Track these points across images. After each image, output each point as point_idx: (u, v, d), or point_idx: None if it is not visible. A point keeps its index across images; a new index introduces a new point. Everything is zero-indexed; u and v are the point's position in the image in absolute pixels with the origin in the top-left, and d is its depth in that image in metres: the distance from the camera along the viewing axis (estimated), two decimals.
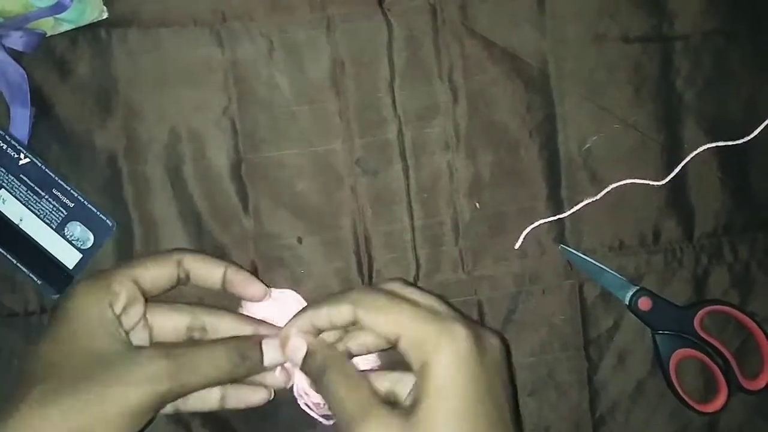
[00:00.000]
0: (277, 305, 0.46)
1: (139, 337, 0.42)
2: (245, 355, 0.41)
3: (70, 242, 0.47)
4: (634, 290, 0.49)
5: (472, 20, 0.49)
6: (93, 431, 0.36)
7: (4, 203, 0.47)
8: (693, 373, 0.50)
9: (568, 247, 0.49)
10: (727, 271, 0.50)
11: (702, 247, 0.50)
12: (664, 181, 0.50)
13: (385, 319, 0.37)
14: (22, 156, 0.47)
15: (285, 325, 0.41)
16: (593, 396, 0.50)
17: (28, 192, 0.47)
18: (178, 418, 0.48)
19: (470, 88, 0.49)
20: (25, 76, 0.46)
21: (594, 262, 0.49)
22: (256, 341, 0.42)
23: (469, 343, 0.36)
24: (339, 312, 0.39)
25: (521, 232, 0.49)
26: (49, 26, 0.46)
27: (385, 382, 0.41)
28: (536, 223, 0.49)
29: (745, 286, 0.51)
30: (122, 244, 0.48)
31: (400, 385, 0.41)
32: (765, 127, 0.50)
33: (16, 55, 0.46)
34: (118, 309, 0.40)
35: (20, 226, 0.47)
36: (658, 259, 0.50)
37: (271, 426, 0.49)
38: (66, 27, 0.46)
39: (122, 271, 0.41)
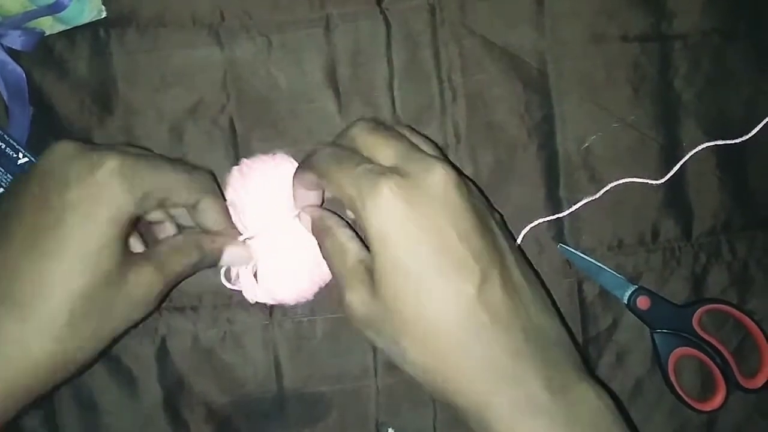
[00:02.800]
0: (271, 168, 0.46)
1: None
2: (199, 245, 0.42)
3: None
4: (633, 289, 0.49)
5: (470, 20, 0.49)
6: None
7: None
8: (691, 371, 0.50)
9: (567, 245, 0.50)
10: (725, 270, 0.51)
11: (701, 245, 0.50)
12: (662, 180, 0.50)
13: (330, 185, 0.38)
14: (20, 155, 0.47)
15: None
16: None
17: None
18: (176, 418, 0.48)
19: (469, 88, 0.49)
20: (24, 75, 0.47)
21: (593, 261, 0.49)
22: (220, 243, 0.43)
23: (393, 195, 0.35)
24: (310, 180, 0.41)
25: (520, 231, 0.49)
26: (48, 25, 0.46)
27: None
28: (535, 222, 0.49)
29: (744, 284, 0.51)
30: None
31: None
32: (764, 126, 0.50)
33: (14, 55, 0.46)
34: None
35: None
36: (657, 258, 0.50)
37: (272, 424, 0.49)
38: (64, 26, 0.46)
39: (113, 152, 0.39)
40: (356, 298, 0.37)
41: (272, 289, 0.45)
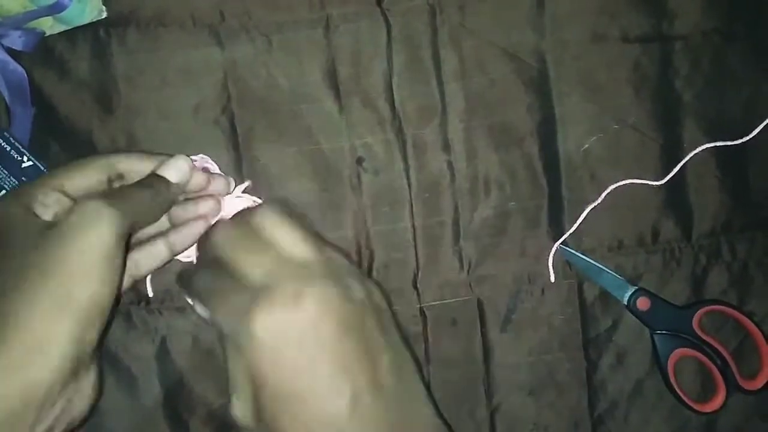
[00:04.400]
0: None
1: None
2: (152, 184, 0.42)
3: None
4: (633, 290, 0.49)
5: (471, 20, 0.49)
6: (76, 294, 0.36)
7: None
8: (691, 372, 0.50)
9: (567, 247, 0.50)
10: (725, 271, 0.51)
11: (700, 246, 0.50)
12: (663, 181, 0.50)
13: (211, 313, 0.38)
14: (24, 159, 0.47)
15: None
16: (592, 396, 0.50)
17: None
18: (176, 418, 0.48)
19: (469, 89, 0.49)
20: (25, 75, 0.46)
21: (593, 262, 0.49)
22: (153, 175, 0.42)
23: (261, 326, 0.35)
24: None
25: (521, 233, 0.49)
26: (48, 26, 0.46)
27: None
28: (557, 244, 0.49)
29: (744, 285, 0.51)
30: None
31: None
32: (764, 127, 0.50)
33: (15, 55, 0.46)
34: (48, 218, 0.39)
35: None
36: (657, 259, 0.50)
37: None
38: (65, 26, 0.46)
39: (46, 182, 0.40)
40: (241, 414, 0.37)
41: None
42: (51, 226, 0.37)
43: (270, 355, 0.35)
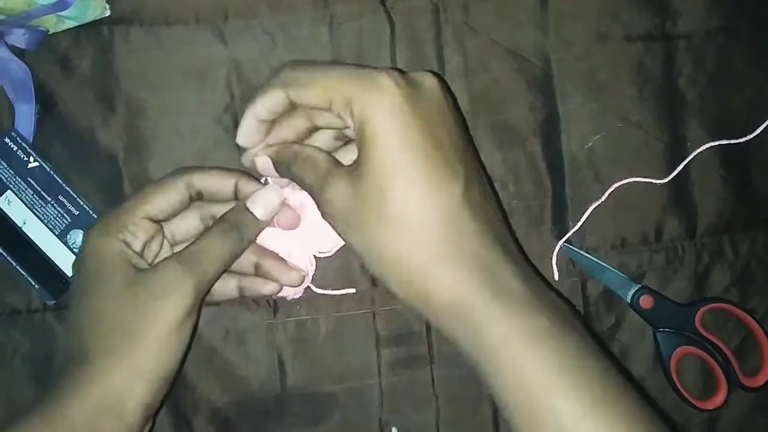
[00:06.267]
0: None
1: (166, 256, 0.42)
2: (238, 223, 0.42)
3: (71, 250, 0.47)
4: (636, 288, 0.49)
5: (474, 19, 0.49)
6: (151, 366, 0.39)
7: (9, 204, 0.47)
8: (693, 370, 0.50)
9: (571, 245, 0.50)
10: (728, 269, 0.51)
11: (703, 245, 0.50)
12: (666, 180, 0.50)
13: (314, 90, 0.37)
14: (31, 159, 0.47)
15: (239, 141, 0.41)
16: None
17: (34, 196, 0.47)
18: (180, 416, 0.48)
19: (473, 88, 0.49)
20: (29, 72, 0.46)
21: (596, 260, 0.49)
22: (240, 207, 0.43)
23: (396, 89, 0.36)
24: (273, 99, 0.39)
25: (525, 232, 0.50)
26: (52, 24, 0.46)
27: (348, 154, 0.42)
28: (560, 243, 0.49)
29: (746, 283, 0.51)
30: None
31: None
32: (767, 125, 0.50)
33: (18, 53, 0.46)
34: (137, 248, 0.41)
35: (23, 229, 0.47)
36: (660, 257, 0.50)
37: (275, 423, 0.49)
38: (68, 24, 0.46)
39: (132, 211, 0.42)
40: (337, 193, 0.37)
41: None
42: (138, 280, 0.39)
43: (397, 119, 0.36)
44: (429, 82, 0.38)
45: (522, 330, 0.35)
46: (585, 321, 0.50)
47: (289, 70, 0.39)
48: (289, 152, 0.41)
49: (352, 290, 0.48)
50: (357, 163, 0.37)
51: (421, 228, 0.36)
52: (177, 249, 0.42)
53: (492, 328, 0.35)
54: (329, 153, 0.40)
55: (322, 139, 0.42)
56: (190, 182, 0.43)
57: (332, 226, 0.39)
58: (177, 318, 0.39)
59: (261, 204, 0.43)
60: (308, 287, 0.47)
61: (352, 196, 0.37)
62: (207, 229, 0.42)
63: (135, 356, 0.38)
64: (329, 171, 0.38)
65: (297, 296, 0.47)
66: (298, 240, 0.46)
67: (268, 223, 0.43)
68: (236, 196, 0.44)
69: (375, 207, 0.36)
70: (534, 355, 0.34)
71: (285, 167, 0.41)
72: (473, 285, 0.36)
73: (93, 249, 0.41)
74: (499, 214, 0.39)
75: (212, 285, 0.41)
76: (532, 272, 0.38)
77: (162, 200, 0.42)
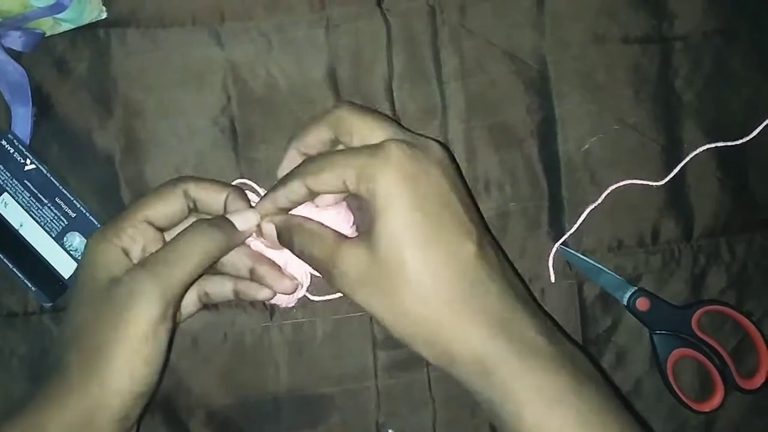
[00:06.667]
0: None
1: None
2: (213, 225, 0.42)
3: (68, 252, 0.47)
4: (633, 290, 0.49)
5: (471, 21, 0.49)
6: (124, 383, 0.38)
7: (5, 207, 0.47)
8: (690, 372, 0.50)
9: (568, 247, 0.50)
10: (724, 272, 0.51)
11: (700, 247, 0.50)
12: (663, 182, 0.50)
13: (329, 176, 0.39)
14: (28, 162, 0.47)
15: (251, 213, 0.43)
16: None
17: (31, 198, 0.47)
18: (175, 419, 0.48)
19: (469, 90, 0.49)
20: (26, 75, 0.46)
21: (593, 262, 0.49)
22: (218, 216, 0.43)
23: (402, 158, 0.37)
24: (294, 191, 0.41)
25: (521, 234, 0.50)
26: (48, 26, 0.46)
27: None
28: (557, 244, 0.50)
29: (742, 286, 0.51)
30: None
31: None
32: (764, 127, 0.50)
33: (15, 55, 0.46)
34: (136, 253, 0.41)
35: (20, 232, 0.47)
36: (657, 260, 0.50)
37: (272, 426, 0.49)
38: (65, 27, 0.46)
39: (133, 216, 0.42)
40: (350, 265, 0.38)
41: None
42: (111, 290, 0.39)
43: (408, 185, 0.37)
44: (434, 147, 0.39)
45: (545, 389, 0.36)
46: (582, 325, 0.50)
47: (306, 164, 0.41)
48: (294, 225, 0.42)
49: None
50: (370, 234, 0.38)
51: (441, 289, 0.37)
52: None
53: (516, 388, 0.36)
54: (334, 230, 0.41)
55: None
56: (186, 191, 0.43)
57: (349, 296, 0.39)
58: (146, 329, 0.38)
59: (241, 217, 0.43)
60: (304, 296, 0.47)
61: (368, 265, 0.37)
62: (177, 235, 0.42)
63: (106, 373, 0.38)
64: (338, 245, 0.39)
65: (290, 305, 0.47)
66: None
67: (247, 235, 0.43)
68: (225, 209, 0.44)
69: (393, 274, 0.37)
70: (557, 415, 0.36)
71: (287, 239, 0.42)
72: (497, 343, 0.36)
73: (90, 256, 0.41)
74: (510, 269, 0.40)
75: (184, 289, 0.40)
76: (552, 326, 0.39)
77: (161, 206, 0.42)
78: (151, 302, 0.38)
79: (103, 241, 0.41)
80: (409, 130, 0.41)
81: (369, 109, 0.42)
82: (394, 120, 0.41)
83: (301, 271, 0.46)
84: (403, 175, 0.37)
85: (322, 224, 0.41)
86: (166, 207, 0.42)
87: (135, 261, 0.41)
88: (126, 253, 0.41)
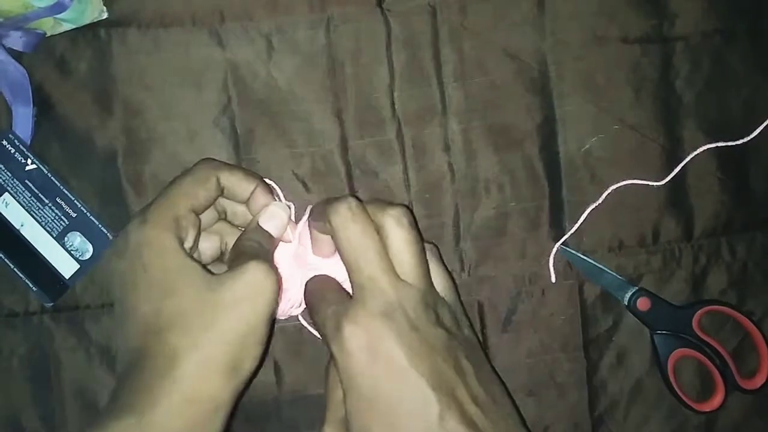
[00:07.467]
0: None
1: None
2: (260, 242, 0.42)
3: (69, 252, 0.47)
4: (633, 290, 0.49)
5: (471, 21, 0.49)
6: (244, 359, 0.38)
7: (6, 207, 0.47)
8: (691, 372, 0.50)
9: (568, 247, 0.50)
10: (725, 271, 0.51)
11: (700, 247, 0.50)
12: (663, 182, 0.50)
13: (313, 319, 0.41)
14: (29, 162, 0.47)
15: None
16: (592, 395, 0.50)
17: (32, 198, 0.47)
18: None
19: (470, 90, 0.49)
20: (27, 75, 0.47)
21: (593, 262, 0.49)
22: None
23: (352, 333, 0.37)
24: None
25: (522, 234, 0.50)
26: (49, 26, 0.46)
27: None
28: (558, 244, 0.50)
29: (743, 285, 0.51)
30: None
31: None
32: (764, 127, 0.50)
33: (16, 55, 0.46)
34: (189, 243, 0.40)
35: (21, 232, 0.47)
36: (657, 260, 0.50)
37: (272, 427, 0.49)
38: (66, 27, 0.46)
39: (180, 204, 0.40)
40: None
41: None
42: (219, 281, 0.38)
43: (361, 362, 0.36)
44: (392, 303, 0.37)
45: None
46: (583, 325, 0.50)
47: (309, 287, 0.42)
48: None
49: None
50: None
51: None
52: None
53: None
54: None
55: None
56: (219, 178, 0.42)
57: None
58: (266, 314, 0.38)
59: (272, 221, 0.43)
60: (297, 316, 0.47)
61: None
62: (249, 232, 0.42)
63: (225, 352, 0.37)
64: (336, 405, 0.40)
65: (283, 317, 0.46)
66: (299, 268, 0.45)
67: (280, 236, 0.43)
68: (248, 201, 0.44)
69: None
70: None
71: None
72: None
73: (149, 243, 0.39)
74: (498, 424, 0.38)
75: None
76: None
77: (204, 194, 0.42)
78: (272, 292, 0.39)
79: (162, 229, 0.39)
80: (386, 257, 0.38)
81: (360, 219, 0.39)
82: (376, 238, 0.38)
83: (300, 289, 0.45)
84: (354, 357, 0.36)
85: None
86: (206, 195, 0.42)
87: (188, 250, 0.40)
88: (181, 241, 0.40)
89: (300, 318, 0.47)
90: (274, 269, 0.39)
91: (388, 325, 0.36)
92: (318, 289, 0.41)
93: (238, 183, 0.43)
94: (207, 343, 0.37)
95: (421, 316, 0.37)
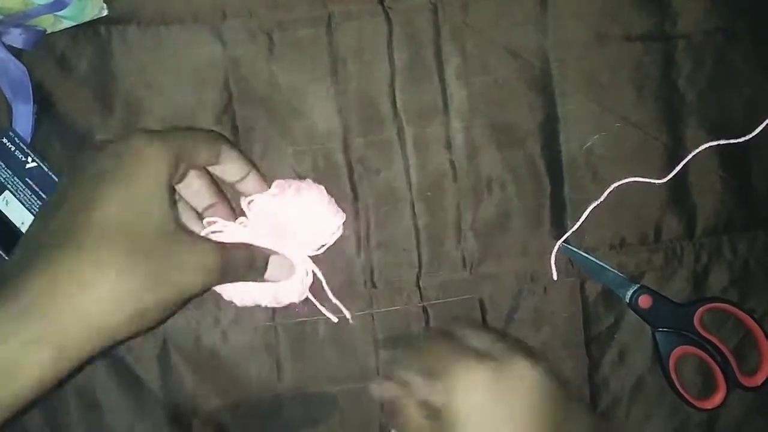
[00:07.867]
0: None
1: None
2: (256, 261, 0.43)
3: None
4: (635, 288, 0.49)
5: (473, 19, 0.49)
6: (150, 310, 0.36)
7: (7, 205, 0.46)
8: (692, 370, 0.50)
9: (570, 245, 0.50)
10: (726, 269, 0.51)
11: (702, 245, 0.50)
12: (665, 180, 0.50)
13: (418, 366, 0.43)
14: (29, 159, 0.46)
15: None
16: (594, 393, 0.50)
17: (33, 196, 0.46)
18: (178, 418, 0.48)
19: (472, 88, 0.49)
20: (27, 72, 0.46)
21: (595, 260, 0.49)
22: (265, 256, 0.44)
23: (483, 377, 0.39)
24: (389, 391, 0.44)
25: (524, 232, 0.50)
26: (49, 23, 0.46)
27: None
28: (559, 242, 0.50)
29: (744, 283, 0.51)
30: None
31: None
32: (766, 125, 0.50)
33: (16, 53, 0.46)
34: (173, 182, 0.40)
35: (21, 230, 0.47)
36: (659, 257, 0.50)
37: (274, 425, 0.49)
38: (66, 24, 0.46)
39: (185, 153, 0.40)
40: None
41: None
42: (177, 241, 0.38)
43: (485, 409, 0.39)
44: (522, 371, 0.40)
45: None
46: (585, 322, 0.50)
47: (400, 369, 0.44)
48: (398, 408, 0.43)
49: (347, 314, 0.48)
50: None
51: None
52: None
53: None
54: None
55: None
56: (219, 151, 0.42)
57: None
58: (187, 292, 0.38)
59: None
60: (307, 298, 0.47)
61: None
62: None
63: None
64: None
65: (284, 303, 0.46)
66: (288, 247, 0.45)
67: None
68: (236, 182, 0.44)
69: None
70: None
71: (394, 413, 0.44)
72: None
73: (147, 164, 0.38)
74: None
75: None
76: None
77: (205, 157, 0.42)
78: (213, 270, 0.39)
79: (162, 162, 0.38)
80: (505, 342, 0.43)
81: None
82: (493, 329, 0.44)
83: (303, 267, 0.46)
84: (480, 400, 0.39)
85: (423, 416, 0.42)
86: (206, 158, 0.42)
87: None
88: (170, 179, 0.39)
89: (310, 296, 0.47)
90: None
91: (515, 386, 0.40)
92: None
93: (232, 162, 0.43)
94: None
95: (539, 389, 0.40)
